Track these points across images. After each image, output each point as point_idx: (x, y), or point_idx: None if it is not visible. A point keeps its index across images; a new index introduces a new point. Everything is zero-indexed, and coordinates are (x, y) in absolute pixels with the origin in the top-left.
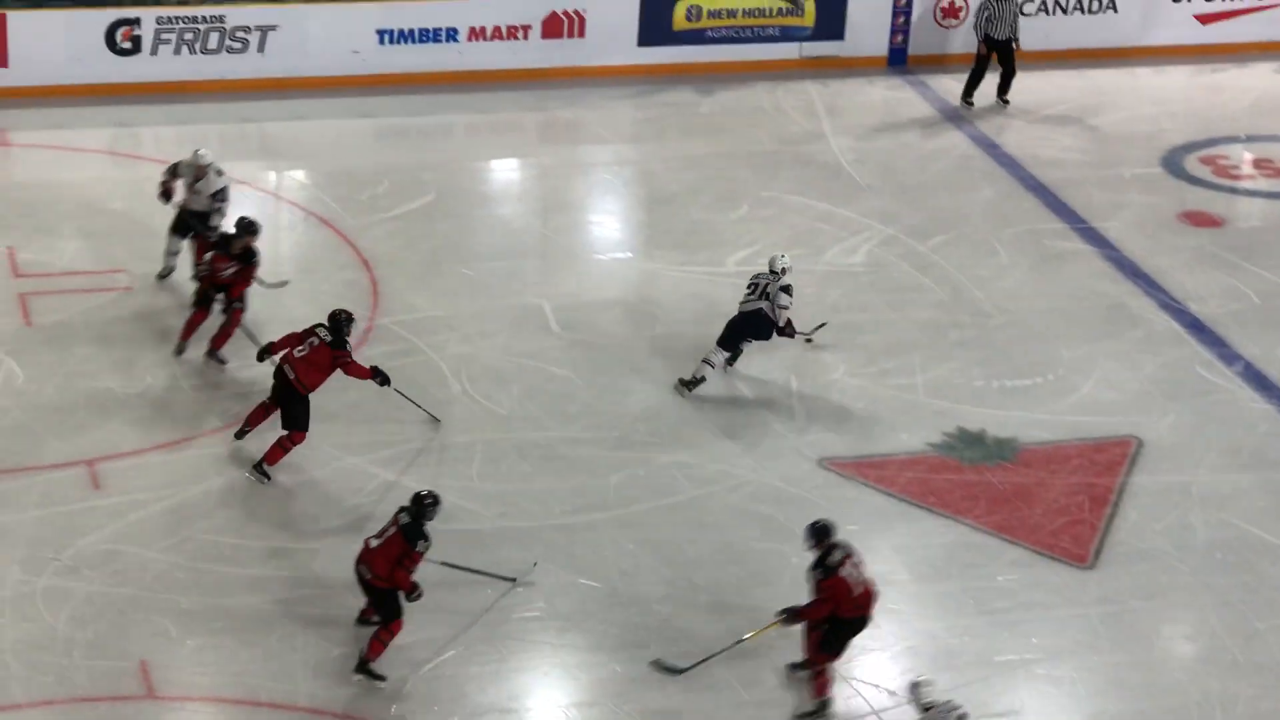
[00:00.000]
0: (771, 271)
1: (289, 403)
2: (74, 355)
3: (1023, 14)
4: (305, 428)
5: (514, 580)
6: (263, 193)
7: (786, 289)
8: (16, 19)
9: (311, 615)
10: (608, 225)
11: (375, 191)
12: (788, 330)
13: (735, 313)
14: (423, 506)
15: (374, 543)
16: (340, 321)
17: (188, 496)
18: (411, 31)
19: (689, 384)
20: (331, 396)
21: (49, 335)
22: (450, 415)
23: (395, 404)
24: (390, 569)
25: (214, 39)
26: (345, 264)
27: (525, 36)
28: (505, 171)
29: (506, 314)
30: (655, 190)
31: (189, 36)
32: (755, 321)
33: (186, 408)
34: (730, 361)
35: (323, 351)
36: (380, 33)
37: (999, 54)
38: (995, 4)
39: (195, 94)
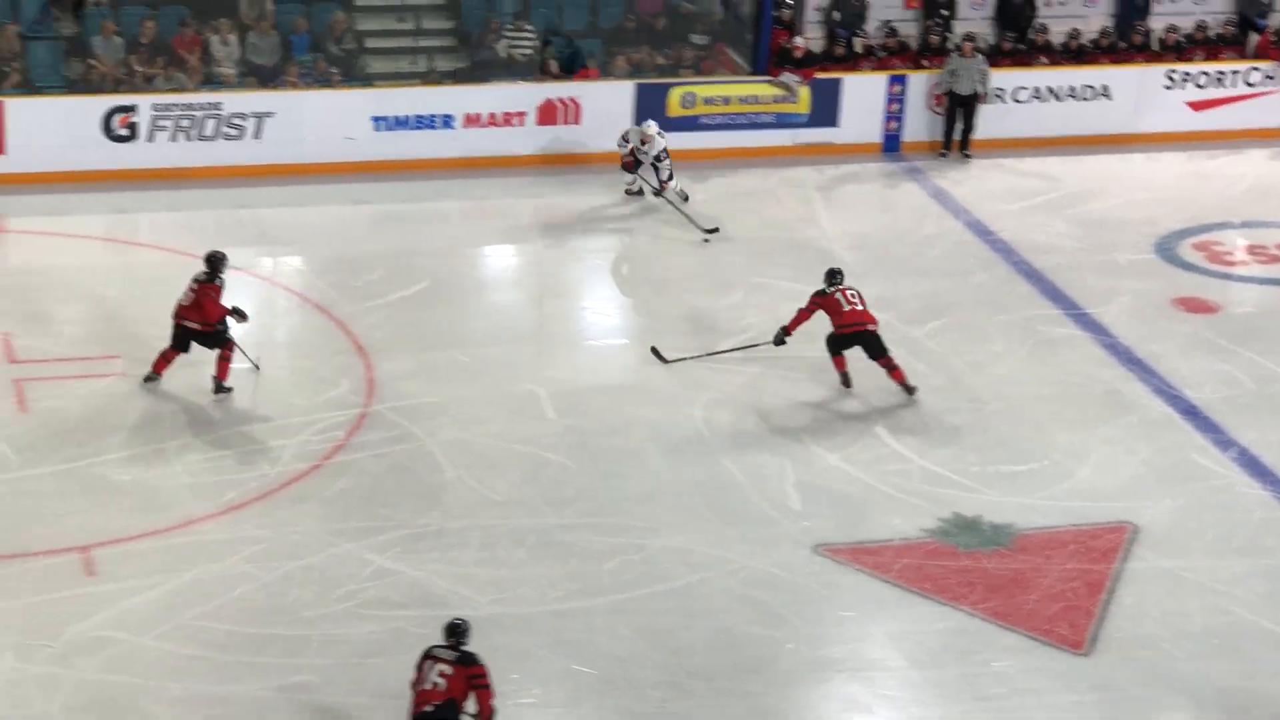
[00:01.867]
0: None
1: (202, 340)
2: (68, 441)
3: (990, 72)
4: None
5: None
6: (258, 279)
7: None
8: (14, 105)
9: (306, 701)
10: (603, 311)
11: (370, 278)
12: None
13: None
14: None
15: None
16: (215, 260)
17: (181, 583)
18: (406, 118)
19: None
20: (325, 482)
21: (43, 421)
22: (445, 501)
23: (390, 489)
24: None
25: (210, 125)
26: (340, 349)
27: (521, 123)
28: (500, 258)
29: (501, 400)
30: (650, 276)
31: (185, 123)
32: None
33: (180, 494)
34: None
35: (201, 290)
36: (375, 119)
37: (963, 109)
38: (959, 60)
39: (192, 180)
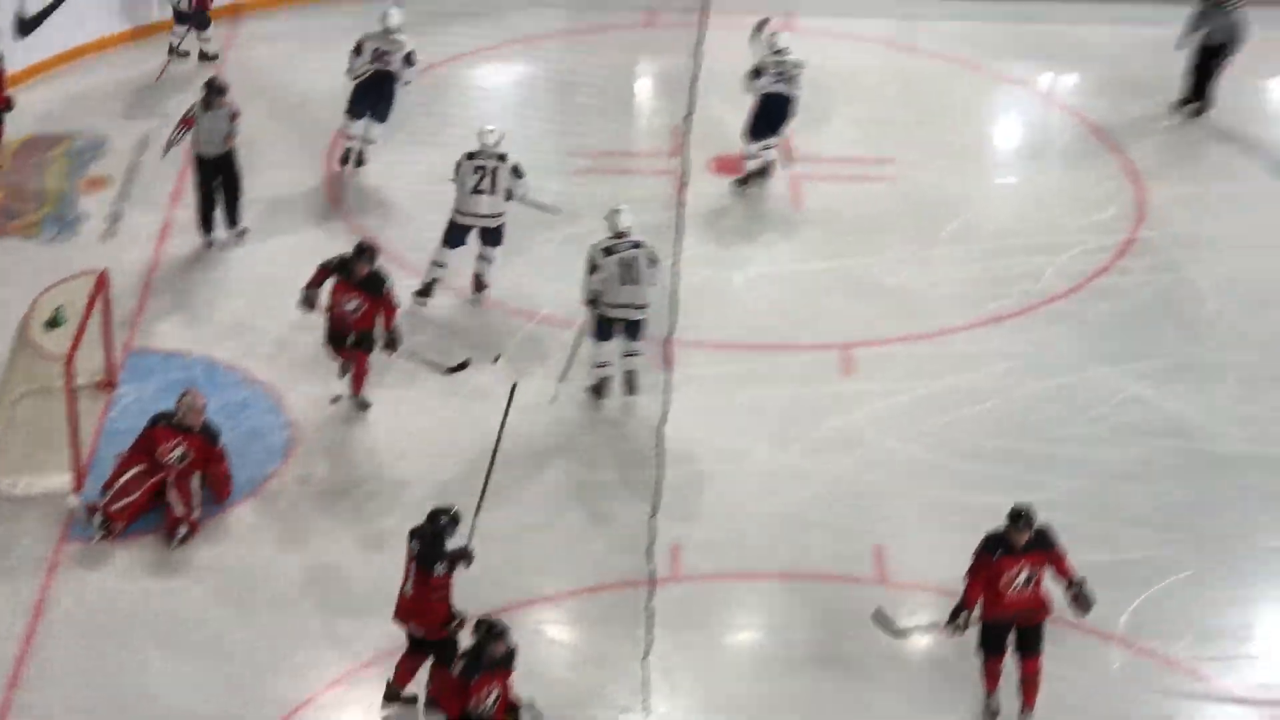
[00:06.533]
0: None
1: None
2: (837, 241)
3: None
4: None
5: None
6: (1034, 94)
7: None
8: None
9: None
10: None
11: (1153, 100)
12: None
13: None
14: (439, 526)
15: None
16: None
17: (932, 390)
18: None
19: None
20: (1086, 304)
21: (816, 219)
22: (1206, 335)
23: (1151, 317)
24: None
25: None
26: (1111, 172)
27: None
28: None
29: (1275, 233)
30: None
31: None
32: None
33: (940, 302)
34: None
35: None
36: None
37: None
38: None
39: None
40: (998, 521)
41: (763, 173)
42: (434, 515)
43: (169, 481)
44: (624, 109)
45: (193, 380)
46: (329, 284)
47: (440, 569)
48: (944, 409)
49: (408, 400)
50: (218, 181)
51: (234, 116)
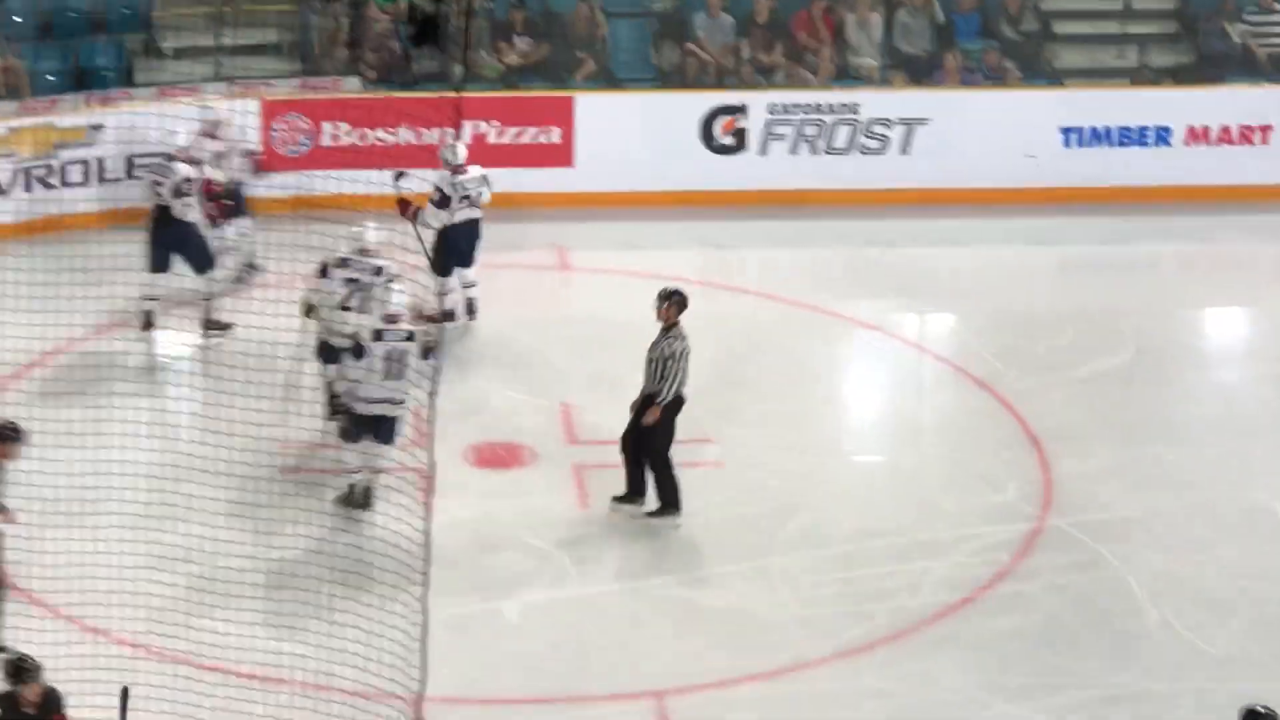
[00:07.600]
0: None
1: None
2: (644, 550)
3: None
4: None
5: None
6: (898, 340)
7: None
8: (587, 103)
9: None
10: None
11: (1053, 344)
12: None
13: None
14: None
15: None
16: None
17: None
18: (1107, 130)
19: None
20: (980, 621)
21: (606, 525)
22: (1145, 654)
23: (1069, 633)
24: None
25: (842, 135)
26: (1005, 440)
27: (1264, 140)
28: (1229, 322)
29: (1226, 516)
30: None
31: (810, 131)
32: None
33: (787, 627)
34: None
35: None
36: (1065, 131)
37: None
38: None
39: (813, 206)
40: None
41: (470, 310)
42: None
43: None
44: None
45: None
46: None
47: None
48: None
49: None
50: None
51: None
